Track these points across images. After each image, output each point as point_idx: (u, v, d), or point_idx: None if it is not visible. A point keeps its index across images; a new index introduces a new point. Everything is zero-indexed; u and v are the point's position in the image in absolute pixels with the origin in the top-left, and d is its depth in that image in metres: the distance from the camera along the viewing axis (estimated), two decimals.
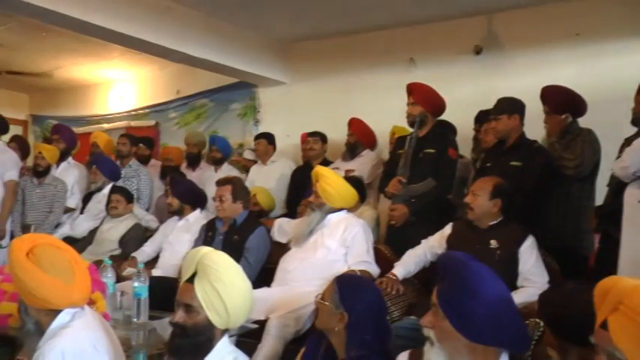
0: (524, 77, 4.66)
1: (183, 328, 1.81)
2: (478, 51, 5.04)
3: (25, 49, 6.62)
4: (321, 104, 5.86)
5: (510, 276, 2.79)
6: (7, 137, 5.40)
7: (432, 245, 3.17)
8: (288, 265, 3.41)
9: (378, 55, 5.56)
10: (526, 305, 2.58)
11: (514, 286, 2.81)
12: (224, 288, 1.80)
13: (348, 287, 2.07)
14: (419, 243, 3.25)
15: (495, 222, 2.99)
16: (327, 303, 2.07)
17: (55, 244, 1.93)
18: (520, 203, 3.16)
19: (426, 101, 3.77)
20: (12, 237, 4.87)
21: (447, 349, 1.61)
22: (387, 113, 4.80)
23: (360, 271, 3.22)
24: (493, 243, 2.91)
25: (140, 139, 5.83)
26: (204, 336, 1.81)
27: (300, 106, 6.03)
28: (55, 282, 1.82)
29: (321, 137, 5.13)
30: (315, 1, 4.88)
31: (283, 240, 3.87)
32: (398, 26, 5.38)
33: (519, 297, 2.63)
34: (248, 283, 1.92)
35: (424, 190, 3.61)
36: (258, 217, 4.48)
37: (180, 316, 1.82)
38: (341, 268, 3.25)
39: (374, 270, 3.31)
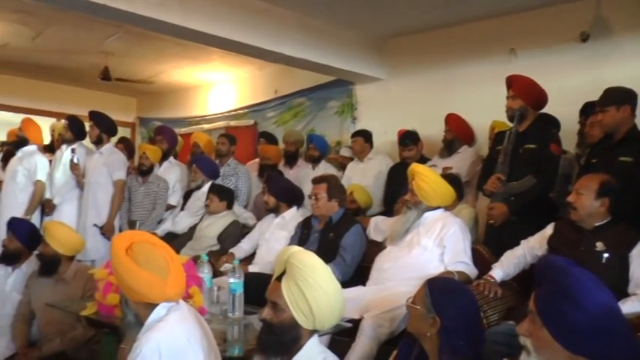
0: (635, 65, 4.33)
1: (269, 325, 1.85)
2: (585, 38, 4.68)
3: (131, 56, 7.01)
4: (418, 100, 5.77)
5: (619, 282, 2.60)
6: (115, 139, 5.75)
7: (533, 246, 3.03)
8: (383, 263, 3.39)
9: (477, 47, 5.37)
10: (638, 316, 2.40)
11: (623, 294, 2.60)
12: (309, 289, 1.81)
13: (439, 291, 2.01)
14: (518, 243, 3.11)
15: (602, 223, 2.80)
16: (418, 307, 2.02)
17: (151, 241, 2.02)
18: (630, 202, 2.92)
19: (526, 94, 3.60)
20: (120, 232, 5.19)
21: None
22: (486, 107, 4.63)
23: (457, 272, 3.15)
24: (599, 245, 2.73)
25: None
26: (290, 335, 1.84)
27: (397, 103, 5.96)
28: (151, 277, 1.91)
29: (413, 140, 4.99)
30: None
31: (379, 238, 3.84)
32: (497, 15, 5.16)
33: (629, 306, 2.47)
34: (336, 286, 1.91)
35: (524, 187, 3.46)
36: (355, 214, 4.49)
37: (267, 313, 1.86)
38: (437, 268, 3.20)
39: (471, 271, 3.22)
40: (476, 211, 4.12)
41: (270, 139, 6.19)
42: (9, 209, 5.13)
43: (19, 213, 5.02)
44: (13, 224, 4.07)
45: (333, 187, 3.96)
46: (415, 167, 3.55)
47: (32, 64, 7.54)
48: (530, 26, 5.04)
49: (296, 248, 1.93)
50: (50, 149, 5.75)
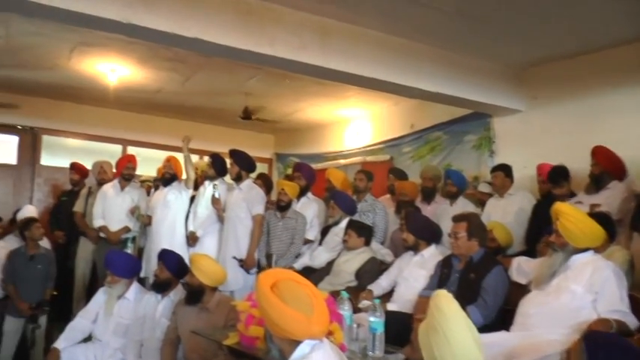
0: None
1: None
2: None
3: (270, 96, 7.39)
4: (560, 132, 5.51)
5: None
6: (254, 175, 6.03)
7: None
8: (528, 308, 3.24)
9: (626, 73, 5.04)
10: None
11: None
12: (434, 335, 1.82)
13: (599, 348, 1.87)
14: None
15: None
16: None
17: (295, 279, 2.10)
18: None
19: None
20: (258, 265, 5.41)
21: None
22: (638, 138, 4.31)
23: (614, 321, 2.90)
24: None
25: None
26: None
27: (537, 135, 5.74)
28: (296, 315, 1.98)
29: (565, 177, 4.76)
30: (552, 20, 4.60)
31: (523, 281, 3.68)
32: None
33: None
34: (466, 339, 1.86)
35: None
36: (495, 253, 4.34)
37: (406, 350, 1.85)
38: (589, 317, 2.97)
39: (631, 321, 2.95)
40: (630, 254, 3.79)
41: (400, 175, 6.19)
42: (162, 241, 5.54)
43: (171, 245, 5.36)
44: (164, 255, 4.42)
45: (474, 226, 3.87)
46: (559, 206, 3.37)
47: (180, 106, 8.19)
48: None
49: (441, 293, 1.91)
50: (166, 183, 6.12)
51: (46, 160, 8.63)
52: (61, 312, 5.98)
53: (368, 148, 7.97)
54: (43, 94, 8.09)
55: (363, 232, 4.78)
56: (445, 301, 1.87)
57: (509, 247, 4.78)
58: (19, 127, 8.41)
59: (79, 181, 7.03)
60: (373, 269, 4.64)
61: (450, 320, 1.85)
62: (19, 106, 8.08)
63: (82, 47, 5.86)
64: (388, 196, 6.16)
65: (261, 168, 8.12)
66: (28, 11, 3.93)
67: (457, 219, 3.94)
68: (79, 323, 4.40)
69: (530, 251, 4.42)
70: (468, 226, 3.84)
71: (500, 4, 4.28)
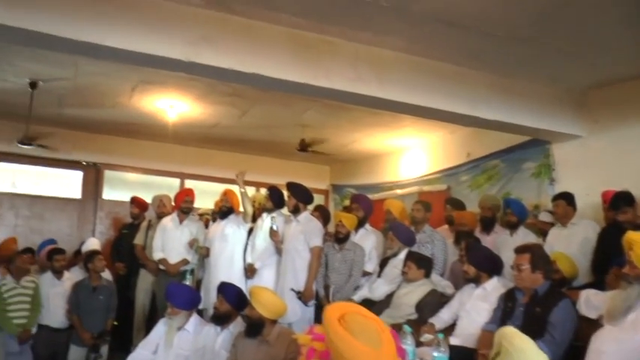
0: None
1: None
2: None
3: (326, 127, 7.47)
4: (624, 157, 5.29)
5: None
6: (311, 206, 6.06)
7: None
8: (602, 345, 3.12)
9: None
10: None
11: None
12: None
13: None
14: None
15: None
16: None
17: (363, 312, 2.09)
18: None
19: None
20: (316, 297, 5.40)
21: None
22: None
23: None
24: None
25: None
26: None
27: (599, 161, 5.52)
28: (364, 349, 1.97)
29: (628, 202, 4.58)
30: (613, 42, 4.44)
31: (592, 315, 3.54)
32: None
33: None
34: None
35: None
36: (559, 285, 4.20)
37: None
38: None
39: None
40: None
41: (458, 204, 6.12)
42: (220, 273, 5.64)
43: (230, 277, 5.43)
44: (224, 288, 4.47)
45: (538, 257, 3.77)
46: (632, 235, 3.24)
47: (237, 139, 8.36)
48: None
49: (510, 329, 1.88)
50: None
51: (108, 194, 8.97)
52: (122, 342, 6.16)
53: (424, 178, 7.90)
54: (105, 131, 8.45)
55: (422, 263, 4.72)
56: (518, 337, 1.83)
57: (574, 278, 4.60)
58: (84, 162, 8.77)
59: (139, 214, 7.24)
60: (434, 302, 4.56)
61: (528, 354, 1.81)
62: (79, 149, 8.51)
63: (143, 85, 6.10)
64: (446, 226, 6.09)
65: (317, 199, 8.18)
66: (98, 54, 4.12)
67: (520, 250, 3.85)
68: (140, 354, 4.47)
69: (598, 283, 4.26)
70: (532, 258, 3.74)
71: (556, 27, 4.20)
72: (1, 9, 3.57)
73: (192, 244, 6.20)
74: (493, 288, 4.15)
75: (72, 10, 3.78)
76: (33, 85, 6.12)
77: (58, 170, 8.85)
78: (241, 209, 6.01)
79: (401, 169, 8.50)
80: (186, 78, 5.33)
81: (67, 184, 8.95)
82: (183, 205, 6.38)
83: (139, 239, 6.76)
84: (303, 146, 7.73)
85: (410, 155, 8.36)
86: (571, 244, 4.87)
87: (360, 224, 5.86)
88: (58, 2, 3.75)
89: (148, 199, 7.18)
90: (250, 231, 6.00)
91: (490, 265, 4.27)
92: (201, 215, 7.02)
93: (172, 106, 6.75)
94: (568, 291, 4.03)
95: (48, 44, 3.99)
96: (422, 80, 4.94)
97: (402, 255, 5.00)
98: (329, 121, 7.16)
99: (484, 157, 6.92)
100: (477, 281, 4.26)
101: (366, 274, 5.55)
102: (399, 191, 8.17)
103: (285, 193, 5.72)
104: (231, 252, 5.84)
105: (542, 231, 5.47)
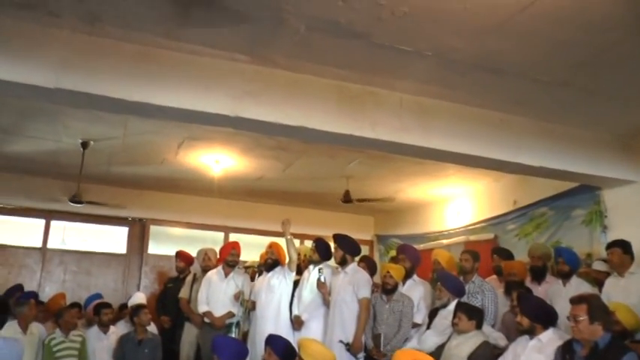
0: None
1: None
2: None
3: (371, 178, 7.52)
4: None
5: None
6: (357, 257, 6.05)
7: None
8: None
9: None
10: None
11: None
12: None
13: None
14: None
15: None
16: None
17: None
18: None
19: None
20: (365, 349, 5.35)
21: None
22: None
23: None
24: None
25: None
26: None
27: None
28: None
29: None
30: None
31: None
32: None
33: None
34: None
35: None
36: (621, 338, 4.06)
37: None
38: None
39: None
40: None
41: (506, 254, 6.02)
42: (267, 325, 5.65)
43: (276, 329, 5.45)
44: (272, 340, 4.49)
45: (595, 308, 3.66)
46: None
47: (281, 191, 8.48)
48: None
49: None
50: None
51: (153, 248, 9.14)
52: None
53: (470, 227, 7.83)
54: (151, 187, 8.70)
55: (473, 314, 4.63)
56: None
57: (636, 331, 4.44)
58: (129, 218, 8.99)
59: (185, 268, 7.33)
60: (486, 354, 4.46)
61: None
62: (126, 206, 8.69)
63: (189, 141, 6.28)
64: (494, 276, 5.99)
65: (362, 250, 8.13)
66: (146, 112, 4.30)
67: (576, 301, 3.75)
68: None
69: None
70: (589, 309, 3.63)
71: (603, 72, 4.19)
72: (60, 73, 3.78)
73: (238, 296, 6.22)
74: (549, 340, 4.03)
75: (123, 72, 3.98)
76: (85, 145, 6.38)
77: (105, 227, 9.13)
78: (288, 259, 6.03)
79: (446, 218, 8.46)
80: (232, 133, 5.45)
81: (114, 239, 9.21)
82: (229, 259, 6.42)
83: (184, 292, 6.83)
84: (347, 197, 7.77)
85: (455, 204, 8.32)
86: (630, 295, 4.70)
87: (408, 275, 5.81)
88: (110, 64, 3.95)
89: (193, 253, 7.28)
90: (296, 283, 6.02)
91: (544, 316, 4.15)
92: (247, 268, 7.07)
93: (218, 160, 6.91)
94: (632, 344, 3.89)
95: (101, 105, 4.20)
96: (465, 128, 4.97)
97: (452, 306, 4.93)
98: (374, 172, 7.22)
99: (531, 205, 6.82)
100: (531, 333, 4.15)
101: (415, 325, 5.46)
102: (444, 241, 8.10)
103: (332, 245, 5.74)
104: (278, 304, 5.86)
105: (596, 280, 5.32)
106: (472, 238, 7.59)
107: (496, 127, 5.09)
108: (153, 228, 9.17)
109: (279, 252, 6.11)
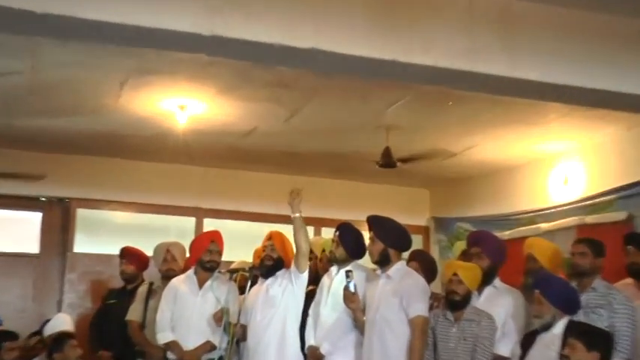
0: None
1: None
2: None
3: (422, 129, 7.58)
4: None
5: None
6: (405, 253, 6.06)
7: None
8: None
9: None
10: None
11: None
12: None
13: None
14: None
15: None
16: None
17: None
18: None
19: None
20: None
21: None
22: None
23: None
24: None
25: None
26: None
27: None
28: None
29: None
30: None
31: None
32: None
33: None
34: None
35: None
36: None
37: None
38: None
39: None
40: None
41: None
42: None
43: None
44: None
45: None
46: None
47: (283, 153, 8.61)
48: None
49: None
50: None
51: (82, 244, 9.24)
52: None
53: (587, 203, 7.82)
54: (78, 149, 8.74)
55: (595, 341, 4.64)
56: None
57: None
58: (43, 198, 9.07)
59: (135, 274, 7.35)
60: None
61: None
62: (45, 174, 8.79)
63: (137, 78, 6.27)
64: (629, 280, 5.97)
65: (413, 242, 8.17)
66: (67, 32, 4.27)
67: None
68: None
69: None
70: None
71: None
72: None
73: (221, 317, 6.24)
74: None
75: None
76: None
77: (4, 212, 9.16)
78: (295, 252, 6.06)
79: (547, 190, 8.50)
80: (206, 62, 5.45)
81: (19, 232, 9.25)
82: (206, 258, 6.38)
83: (134, 313, 6.83)
84: (387, 159, 7.75)
85: (560, 168, 8.35)
86: None
87: (486, 279, 5.78)
88: None
89: (148, 251, 7.34)
90: (310, 295, 6.08)
91: None
92: (232, 272, 7.06)
93: (183, 106, 6.94)
94: None
95: None
96: (577, 45, 4.91)
97: (559, 327, 4.95)
98: (428, 120, 7.25)
99: None
100: None
101: (498, 358, 5.52)
102: (543, 225, 8.13)
103: (366, 234, 5.78)
104: (282, 327, 5.89)
105: None
106: (590, 219, 7.59)
107: (631, 44, 5.07)
108: (81, 213, 9.24)
109: (283, 246, 6.13)
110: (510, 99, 5.71)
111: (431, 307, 5.68)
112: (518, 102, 5.89)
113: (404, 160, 7.91)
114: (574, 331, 4.73)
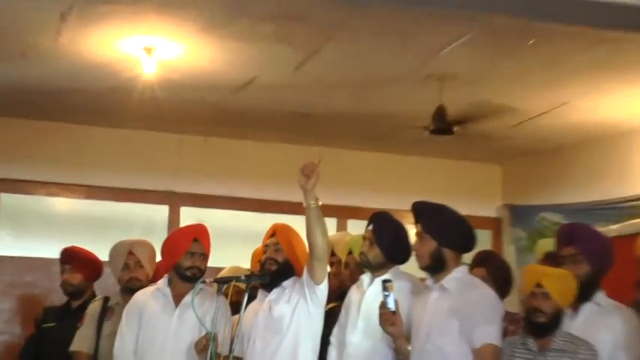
0: None
1: None
2: None
3: (490, 81, 7.60)
4: None
5: None
6: (468, 256, 6.06)
7: None
8: None
9: None
10: None
11: None
12: None
13: None
14: None
15: None
16: None
17: None
18: None
19: None
20: None
21: None
22: None
23: None
24: None
25: None
26: None
27: None
28: None
29: None
30: None
31: None
32: None
33: None
34: None
35: None
36: None
37: None
38: None
39: None
40: None
41: None
42: None
43: None
44: None
45: None
46: None
47: (293, 114, 8.60)
48: None
49: None
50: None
51: (7, 245, 9.34)
52: None
53: None
54: (2, 111, 8.78)
55: None
56: None
57: None
58: None
59: (83, 286, 7.39)
60: None
61: None
62: None
63: (84, 9, 6.27)
64: None
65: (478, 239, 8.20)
66: None
67: None
68: None
69: None
70: None
71: None
72: None
73: (205, 347, 6.30)
74: None
75: None
76: None
77: None
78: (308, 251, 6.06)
79: None
80: None
81: None
82: (185, 263, 6.39)
83: (81, 341, 6.89)
84: (441, 123, 7.78)
85: None
86: None
87: (585, 293, 5.83)
88: None
89: (101, 254, 7.38)
90: (332, 315, 6.14)
91: None
92: (222, 283, 7.09)
93: (151, 48, 6.98)
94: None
95: None
96: None
97: None
98: (498, 67, 7.28)
99: None
100: None
101: None
102: None
103: (411, 229, 5.80)
104: (291, 358, 5.99)
105: None
106: None
107: None
108: (5, 199, 9.36)
109: (292, 245, 6.15)
110: (621, 35, 5.71)
111: (505, 332, 5.68)
112: (631, 39, 5.87)
113: (463, 122, 7.92)
114: None
